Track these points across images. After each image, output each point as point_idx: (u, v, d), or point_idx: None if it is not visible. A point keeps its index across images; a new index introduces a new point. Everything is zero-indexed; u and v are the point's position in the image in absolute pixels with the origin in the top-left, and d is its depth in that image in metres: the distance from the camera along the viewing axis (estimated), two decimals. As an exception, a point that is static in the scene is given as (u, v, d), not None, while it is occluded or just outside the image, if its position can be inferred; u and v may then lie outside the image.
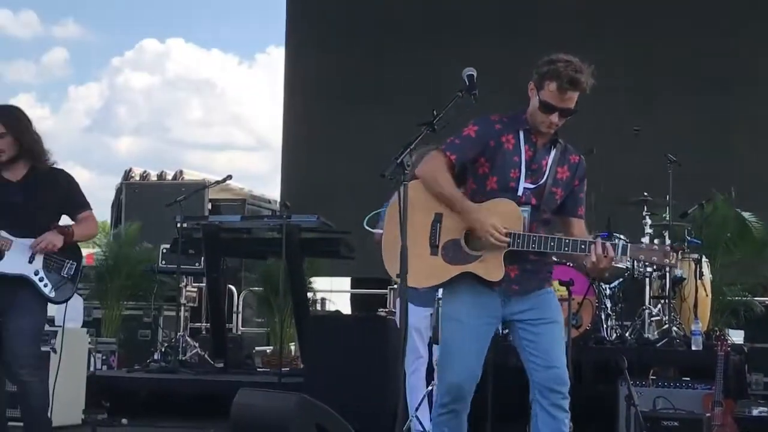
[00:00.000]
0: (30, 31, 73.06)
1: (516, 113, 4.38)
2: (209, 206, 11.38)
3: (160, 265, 9.80)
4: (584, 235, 4.36)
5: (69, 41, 75.02)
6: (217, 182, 8.96)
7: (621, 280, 7.80)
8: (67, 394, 5.96)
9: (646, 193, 8.06)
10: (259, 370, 9.15)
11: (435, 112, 4.10)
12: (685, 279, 7.87)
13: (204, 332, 10.62)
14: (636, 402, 5.99)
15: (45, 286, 5.51)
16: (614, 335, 7.70)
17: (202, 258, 9.48)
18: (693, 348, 7.34)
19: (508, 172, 4.27)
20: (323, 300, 12.20)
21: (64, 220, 5.66)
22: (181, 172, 14.14)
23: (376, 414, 6.18)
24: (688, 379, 6.91)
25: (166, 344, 9.46)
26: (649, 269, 7.77)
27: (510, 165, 4.27)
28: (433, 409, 4.44)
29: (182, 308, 10.25)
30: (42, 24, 74.63)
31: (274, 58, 74.78)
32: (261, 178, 70.95)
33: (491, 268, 4.19)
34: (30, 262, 5.50)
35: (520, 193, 4.27)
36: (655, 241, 7.75)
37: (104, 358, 9.03)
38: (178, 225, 8.80)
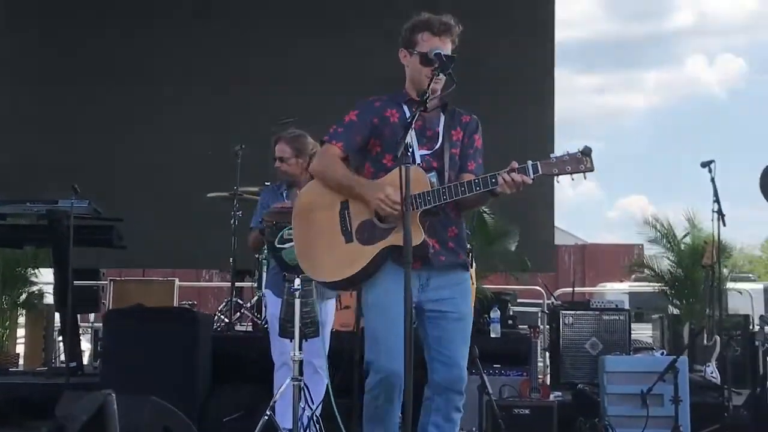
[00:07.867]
0: None
1: (392, 93, 4.28)
2: None
3: None
4: None
5: None
6: None
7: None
8: None
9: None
10: (12, 370, 8.21)
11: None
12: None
13: None
14: (490, 390, 5.95)
15: None
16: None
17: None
18: (492, 335, 7.55)
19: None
20: (41, 293, 11.18)
21: None
22: None
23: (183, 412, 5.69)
24: (498, 366, 6.80)
25: None
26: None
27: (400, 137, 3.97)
28: (365, 402, 4.17)
29: None
30: None
31: None
32: None
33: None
34: None
35: (418, 161, 4.13)
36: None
37: None
38: None
